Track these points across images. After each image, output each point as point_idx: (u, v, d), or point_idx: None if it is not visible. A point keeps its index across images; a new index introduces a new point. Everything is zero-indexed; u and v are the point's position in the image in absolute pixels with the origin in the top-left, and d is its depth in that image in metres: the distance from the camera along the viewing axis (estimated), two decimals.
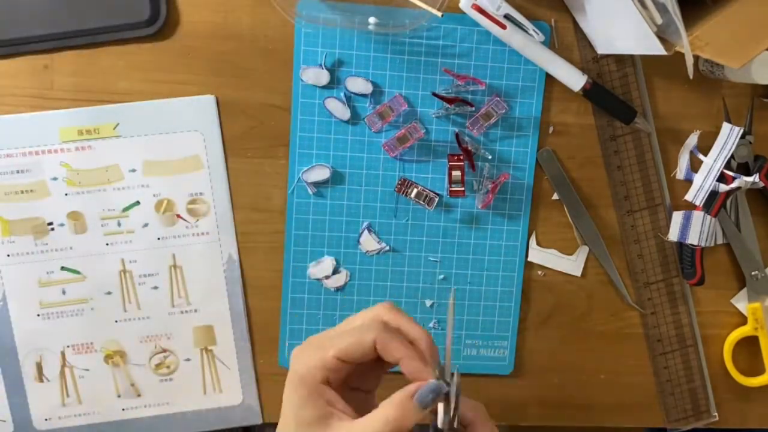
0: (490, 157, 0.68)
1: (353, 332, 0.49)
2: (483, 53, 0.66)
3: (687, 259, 0.70)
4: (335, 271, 0.68)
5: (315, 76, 0.65)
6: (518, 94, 0.67)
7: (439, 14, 0.61)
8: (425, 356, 0.50)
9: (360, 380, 0.52)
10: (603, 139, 0.69)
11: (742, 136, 0.69)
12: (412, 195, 0.67)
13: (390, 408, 0.47)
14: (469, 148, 0.66)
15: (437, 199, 0.67)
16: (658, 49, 0.58)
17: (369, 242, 0.68)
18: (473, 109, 0.66)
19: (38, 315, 0.67)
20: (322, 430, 0.48)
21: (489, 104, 0.66)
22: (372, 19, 0.63)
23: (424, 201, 0.67)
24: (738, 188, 0.69)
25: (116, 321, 0.68)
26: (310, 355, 0.49)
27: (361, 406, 0.49)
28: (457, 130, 0.67)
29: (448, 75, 0.66)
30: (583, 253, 0.70)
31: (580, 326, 0.72)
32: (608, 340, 0.72)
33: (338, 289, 0.69)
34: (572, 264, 0.70)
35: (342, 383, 0.50)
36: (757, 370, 0.73)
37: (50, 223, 0.65)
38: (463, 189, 0.66)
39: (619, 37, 0.62)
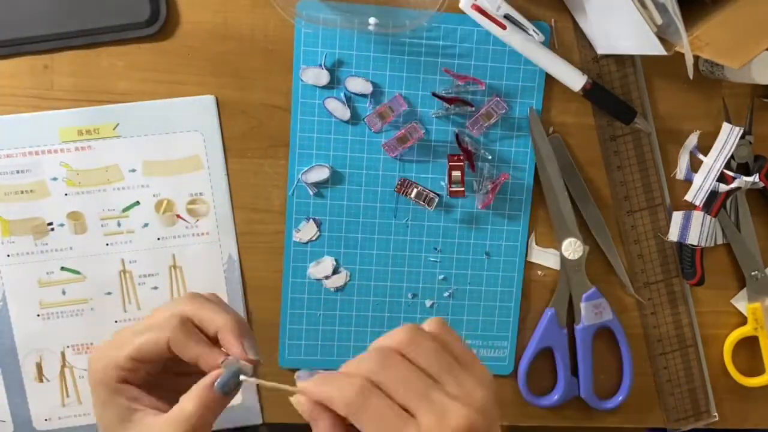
0: (490, 157, 0.68)
1: (149, 331, 0.47)
2: (483, 53, 0.66)
3: (687, 259, 0.70)
4: (335, 271, 0.68)
5: (315, 76, 0.65)
6: (518, 94, 0.67)
7: (435, 8, 0.60)
8: (232, 342, 0.47)
9: (186, 365, 0.49)
10: (603, 139, 0.69)
11: (742, 136, 0.69)
12: (412, 195, 0.67)
13: (189, 402, 0.45)
14: (469, 148, 0.66)
15: (437, 199, 0.67)
16: (658, 49, 0.58)
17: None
18: (473, 109, 0.66)
19: (38, 315, 0.67)
20: (124, 428, 0.46)
21: (489, 104, 0.66)
22: (372, 20, 0.63)
23: (424, 201, 0.67)
24: (738, 188, 0.69)
25: (116, 321, 0.67)
26: (106, 354, 0.47)
27: (186, 391, 0.47)
28: (457, 130, 0.67)
29: (448, 75, 0.66)
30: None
31: None
32: (608, 340, 0.72)
33: (338, 290, 0.69)
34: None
35: (158, 374, 0.48)
36: (757, 370, 0.73)
37: (50, 223, 0.65)
38: (463, 189, 0.66)
39: (619, 38, 0.62)
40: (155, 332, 0.47)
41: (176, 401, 0.47)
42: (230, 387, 0.46)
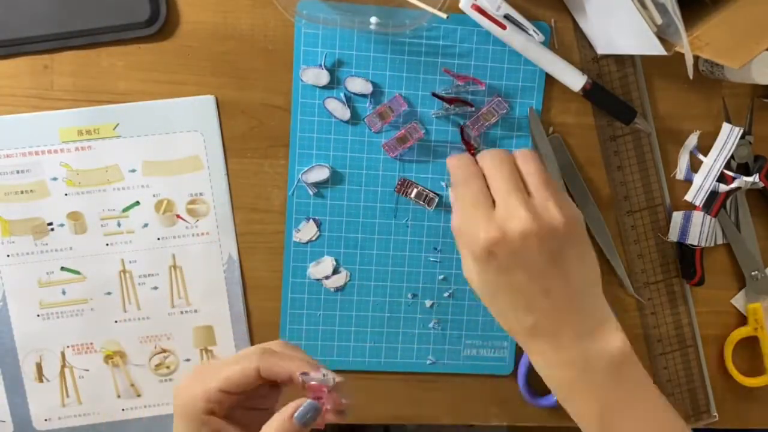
0: None
1: (235, 361, 0.49)
2: (483, 53, 0.66)
3: (687, 259, 0.70)
4: (335, 271, 0.68)
5: (315, 76, 0.65)
6: (518, 94, 0.67)
7: (445, 16, 0.61)
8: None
9: (256, 400, 0.51)
10: (603, 140, 0.69)
11: (742, 137, 0.69)
12: (412, 195, 0.67)
13: (270, 430, 0.47)
14: (472, 143, 0.66)
15: (437, 199, 0.67)
16: (658, 49, 0.58)
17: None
18: (473, 109, 0.66)
19: (38, 315, 0.67)
20: None
21: (490, 104, 0.66)
22: (374, 19, 0.63)
23: (424, 201, 0.67)
24: (738, 188, 0.69)
25: (116, 321, 0.68)
26: (193, 386, 0.49)
27: (257, 426, 0.49)
28: (462, 123, 0.67)
29: (448, 75, 0.66)
30: None
31: None
32: None
33: (338, 290, 0.69)
34: None
35: (234, 407, 0.50)
36: (757, 370, 0.73)
37: (50, 224, 0.65)
38: None
39: (618, 38, 0.62)
40: (243, 362, 0.49)
41: None
42: (309, 419, 0.47)
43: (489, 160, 0.55)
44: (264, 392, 0.51)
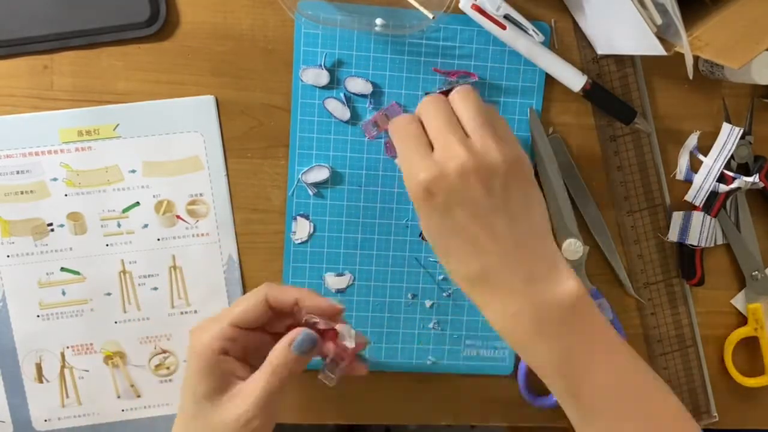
0: None
1: (245, 299, 0.53)
2: (483, 53, 0.66)
3: (687, 259, 0.70)
4: (339, 274, 0.68)
5: (315, 76, 0.65)
6: (518, 94, 0.67)
7: (431, 17, 0.61)
8: (316, 298, 0.55)
9: (256, 358, 0.54)
10: (603, 140, 0.69)
11: (742, 137, 0.69)
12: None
13: (273, 357, 0.51)
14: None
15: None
16: (657, 49, 0.58)
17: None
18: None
19: (38, 316, 0.67)
20: (221, 395, 0.50)
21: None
22: (379, 20, 0.63)
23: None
24: (738, 188, 0.69)
25: (116, 322, 0.67)
26: (207, 327, 0.52)
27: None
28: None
29: (442, 75, 0.66)
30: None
31: None
32: None
33: (339, 291, 0.69)
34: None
35: (241, 357, 0.53)
36: (757, 371, 0.73)
37: (50, 224, 0.65)
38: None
39: (618, 38, 0.62)
40: (251, 297, 0.53)
41: None
42: (306, 348, 0.51)
43: (424, 105, 0.55)
44: (263, 348, 0.54)
